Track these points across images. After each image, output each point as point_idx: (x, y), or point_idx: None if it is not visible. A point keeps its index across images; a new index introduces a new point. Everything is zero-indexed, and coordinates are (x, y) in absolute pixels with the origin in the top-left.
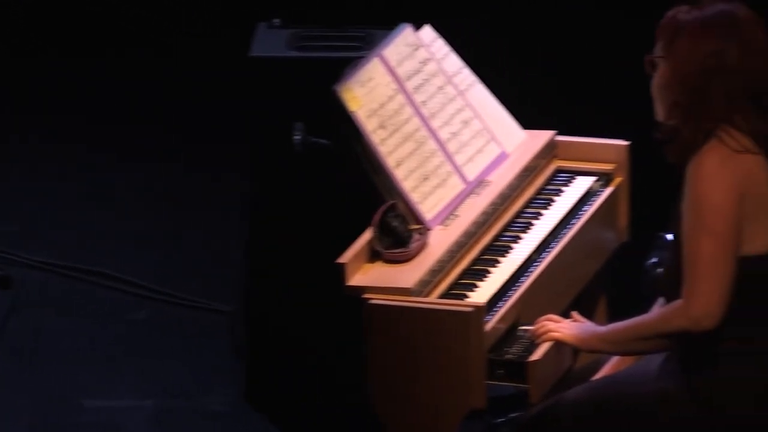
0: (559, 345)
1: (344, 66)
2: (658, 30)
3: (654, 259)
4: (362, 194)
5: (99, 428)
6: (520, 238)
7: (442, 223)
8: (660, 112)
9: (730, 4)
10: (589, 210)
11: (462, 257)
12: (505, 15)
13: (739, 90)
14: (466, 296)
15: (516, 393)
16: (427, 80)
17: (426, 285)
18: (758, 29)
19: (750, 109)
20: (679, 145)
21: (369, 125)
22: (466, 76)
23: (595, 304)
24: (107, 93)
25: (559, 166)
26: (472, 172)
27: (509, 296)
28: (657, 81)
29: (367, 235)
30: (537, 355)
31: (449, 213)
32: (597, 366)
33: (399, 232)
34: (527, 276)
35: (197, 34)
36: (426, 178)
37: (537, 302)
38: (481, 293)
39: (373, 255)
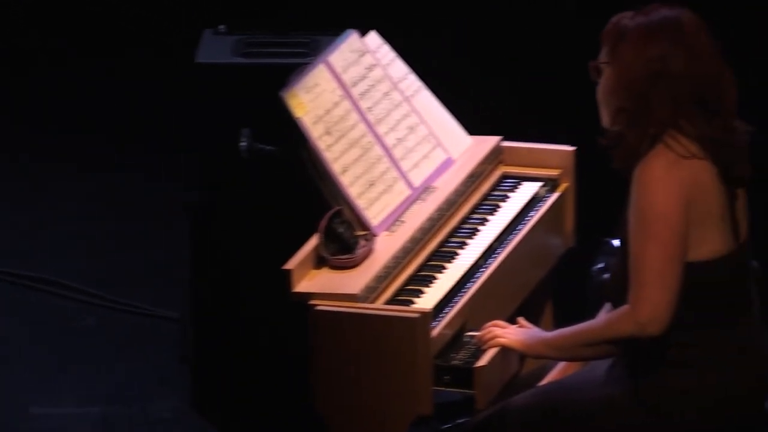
0: (505, 351)
1: (290, 72)
2: (602, 36)
3: (600, 265)
4: (308, 200)
5: None
6: (466, 244)
7: (388, 229)
8: (605, 118)
9: (674, 9)
10: (535, 216)
11: (408, 263)
12: (451, 21)
13: (684, 95)
14: (412, 302)
15: (462, 399)
16: (372, 86)
17: (372, 291)
18: (702, 34)
19: (696, 113)
20: (624, 151)
21: (315, 131)
22: (411, 81)
23: (541, 309)
24: (50, 101)
25: (505, 172)
26: (418, 178)
27: (455, 302)
28: (602, 87)
29: (313, 242)
30: (483, 361)
31: (395, 219)
32: (543, 372)
33: (345, 239)
34: (473, 282)
35: (139, 41)
36: (372, 184)
37: (483, 308)
38: (428, 299)
39: (320, 261)
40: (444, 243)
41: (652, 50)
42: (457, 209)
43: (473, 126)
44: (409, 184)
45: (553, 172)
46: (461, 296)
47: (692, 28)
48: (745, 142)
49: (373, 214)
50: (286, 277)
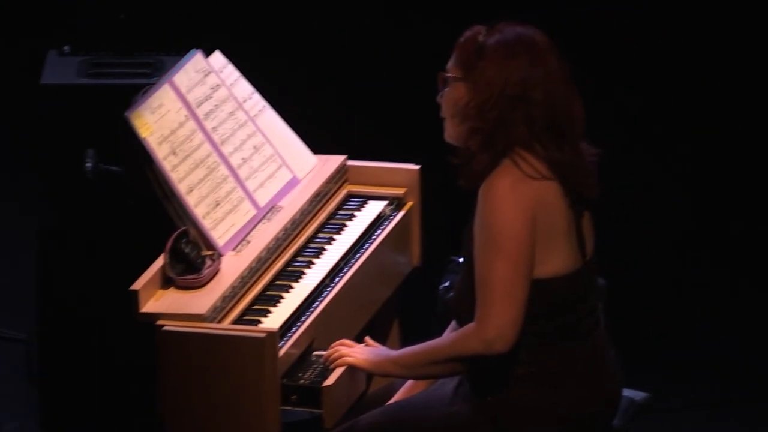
0: (352, 370)
1: (135, 92)
2: (456, 49)
3: (446, 283)
4: (154, 221)
5: None
6: (312, 263)
7: (234, 249)
8: (453, 134)
9: (527, 28)
10: (381, 234)
11: (255, 283)
12: (295, 40)
13: (540, 119)
14: (259, 322)
15: (311, 418)
16: (217, 106)
17: (219, 311)
18: (553, 56)
19: (548, 137)
20: (473, 169)
21: (160, 152)
22: (256, 101)
23: (388, 328)
24: None
25: (351, 191)
26: (263, 198)
27: (302, 321)
28: (453, 101)
29: (159, 262)
30: (330, 380)
31: (241, 239)
32: (391, 390)
33: (191, 259)
34: (320, 301)
35: None
36: (218, 204)
37: (330, 327)
38: (274, 319)
39: (166, 281)
40: (290, 262)
41: (513, 73)
42: (304, 229)
43: (318, 145)
44: (254, 203)
45: (399, 191)
46: (308, 315)
47: (546, 50)
48: (592, 164)
49: (219, 234)
50: (133, 298)
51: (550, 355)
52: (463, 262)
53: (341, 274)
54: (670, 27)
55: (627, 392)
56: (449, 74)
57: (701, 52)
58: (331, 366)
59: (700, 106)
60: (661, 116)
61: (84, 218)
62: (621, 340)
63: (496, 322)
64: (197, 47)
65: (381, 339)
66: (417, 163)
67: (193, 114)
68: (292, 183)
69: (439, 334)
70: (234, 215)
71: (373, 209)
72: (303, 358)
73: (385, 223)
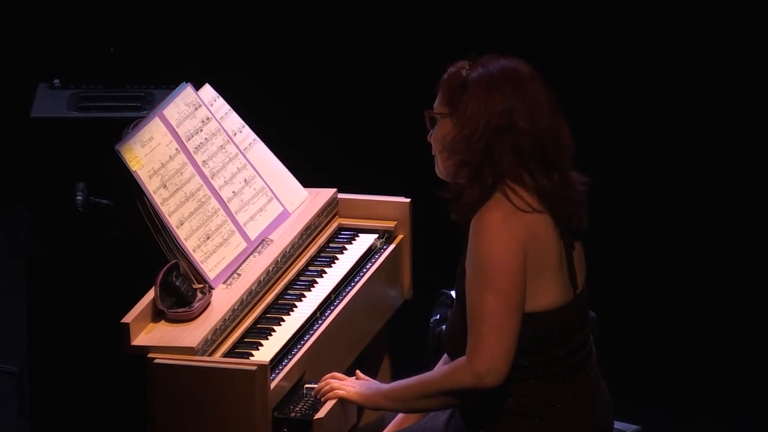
0: (343, 403)
1: (125, 125)
2: (440, 85)
3: (437, 316)
4: (145, 253)
5: None
6: (304, 296)
7: (225, 282)
8: (443, 169)
9: (511, 60)
10: (372, 267)
11: (246, 316)
12: (285, 73)
13: (527, 149)
14: (250, 355)
15: None
16: (208, 139)
17: (210, 344)
18: (540, 86)
19: (537, 167)
20: (464, 202)
21: (151, 185)
22: (246, 134)
23: (379, 361)
24: None
25: (342, 224)
26: (254, 231)
27: (294, 354)
28: (441, 138)
29: (150, 295)
30: (321, 413)
31: (232, 272)
32: (382, 423)
33: (182, 292)
34: (311, 334)
35: None
36: (208, 237)
37: (321, 360)
38: (266, 352)
39: (157, 314)
40: (281, 295)
41: (497, 104)
42: (294, 262)
43: (308, 178)
44: (245, 237)
45: (389, 224)
46: (299, 348)
47: (531, 81)
48: (582, 194)
49: (210, 267)
50: (124, 331)
51: (542, 388)
52: (456, 295)
53: (332, 307)
54: (658, 62)
55: (618, 425)
56: (436, 112)
57: (685, 86)
58: (322, 399)
59: (688, 140)
60: (648, 150)
61: (74, 251)
62: (612, 373)
63: (487, 355)
64: (187, 80)
65: (372, 372)
66: (407, 196)
67: (183, 147)
68: (283, 216)
69: (431, 367)
70: (225, 248)
71: (363, 242)
72: (294, 391)
73: (376, 256)
